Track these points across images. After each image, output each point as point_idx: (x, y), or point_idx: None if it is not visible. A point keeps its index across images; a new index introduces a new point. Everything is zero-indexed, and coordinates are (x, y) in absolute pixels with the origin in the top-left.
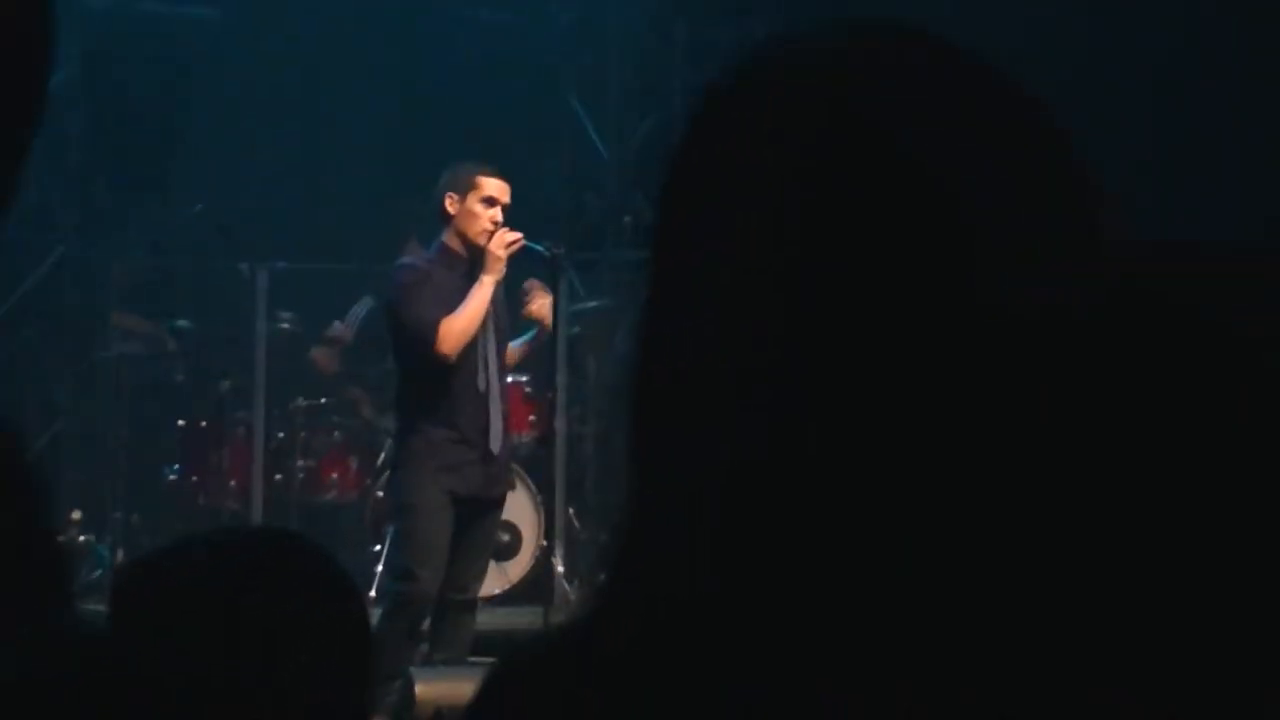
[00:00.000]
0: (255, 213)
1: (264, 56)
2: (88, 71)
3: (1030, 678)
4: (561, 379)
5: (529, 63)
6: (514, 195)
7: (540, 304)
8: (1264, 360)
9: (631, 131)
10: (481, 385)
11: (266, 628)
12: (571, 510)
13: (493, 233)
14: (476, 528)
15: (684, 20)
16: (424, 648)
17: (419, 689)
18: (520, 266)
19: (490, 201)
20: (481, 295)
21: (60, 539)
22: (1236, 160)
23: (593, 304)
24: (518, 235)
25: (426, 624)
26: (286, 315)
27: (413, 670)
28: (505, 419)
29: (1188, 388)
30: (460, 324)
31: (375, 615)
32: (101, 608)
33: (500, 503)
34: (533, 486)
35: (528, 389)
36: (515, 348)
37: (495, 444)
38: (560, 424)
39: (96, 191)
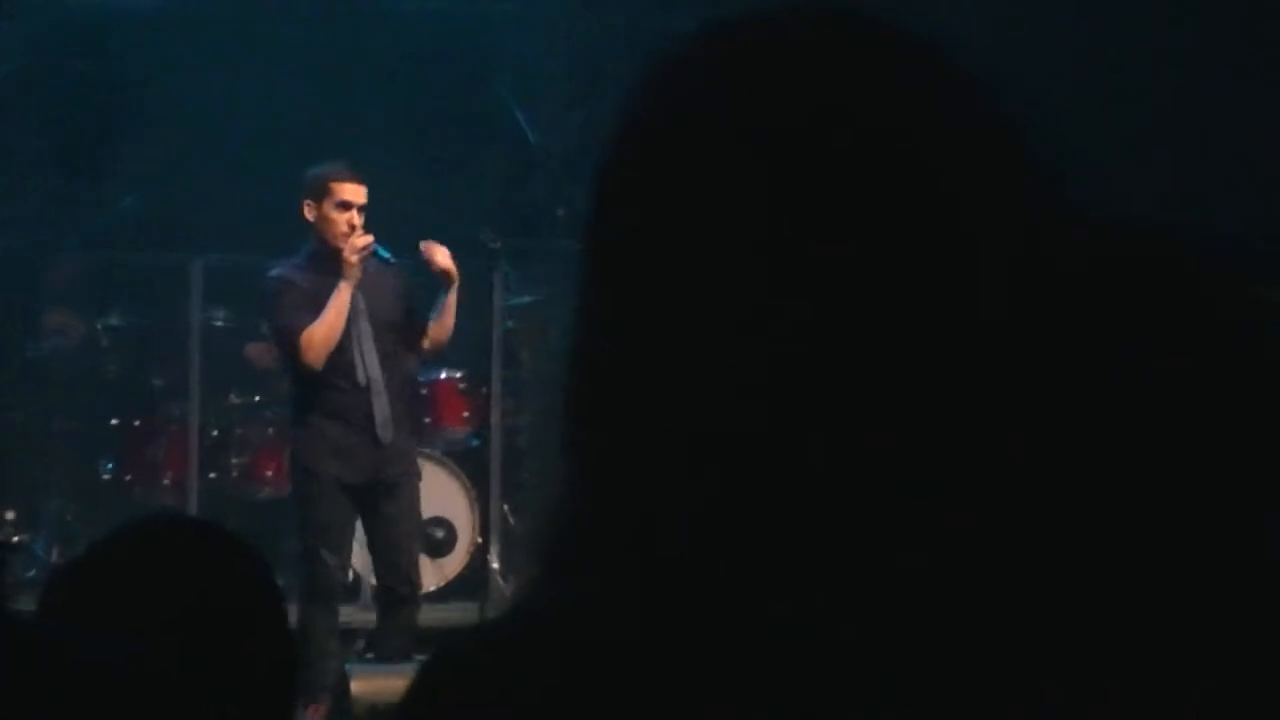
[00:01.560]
0: (189, 206)
1: (198, 49)
2: (22, 64)
3: (1029, 667)
4: (496, 371)
5: (461, 52)
6: (447, 186)
7: (440, 255)
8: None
9: (565, 122)
10: (361, 379)
11: (189, 619)
12: (506, 506)
13: (345, 235)
14: (386, 512)
15: (618, 9)
16: (359, 644)
17: (354, 686)
18: (457, 258)
19: (345, 205)
20: (339, 302)
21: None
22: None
23: (527, 298)
24: (368, 239)
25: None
26: (220, 311)
27: (348, 667)
28: (394, 409)
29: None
30: (320, 333)
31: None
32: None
33: (404, 484)
34: (467, 482)
35: (462, 384)
36: (435, 322)
37: (385, 434)
38: (495, 418)
39: (29, 185)
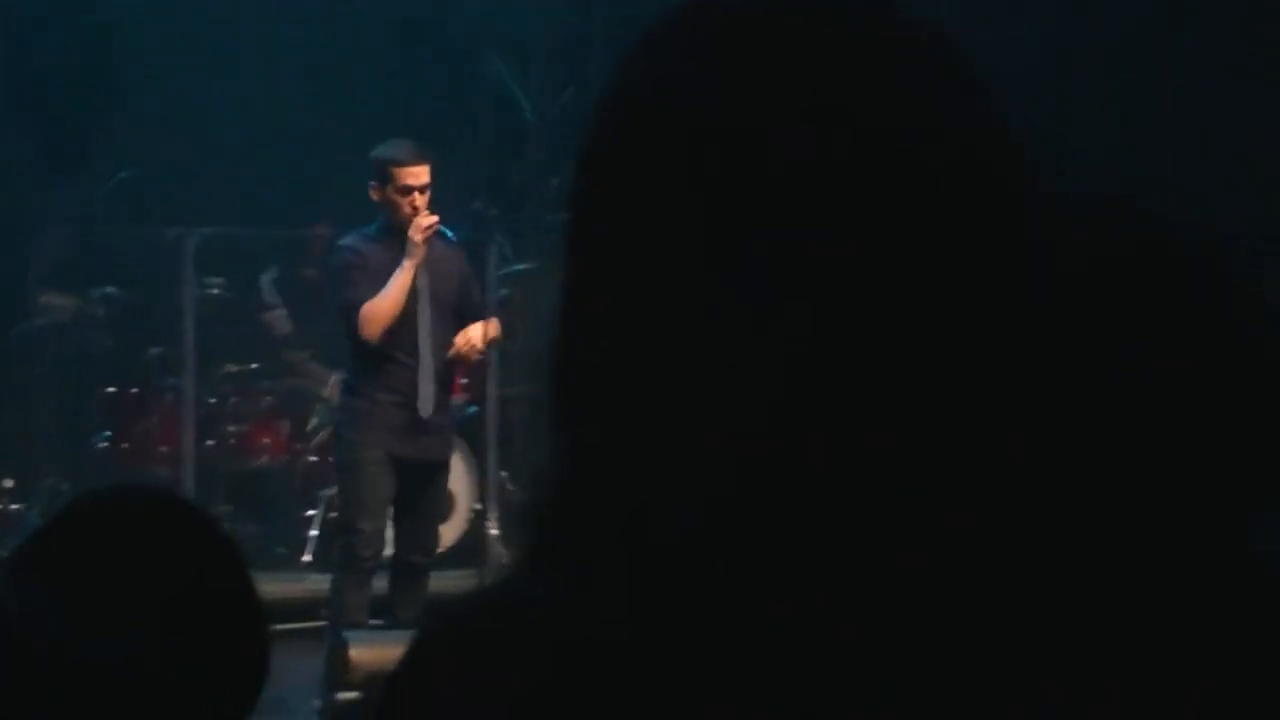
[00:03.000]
0: (181, 178)
1: (185, 21)
2: (5, 38)
3: (1029, 667)
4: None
5: (453, 25)
6: (444, 157)
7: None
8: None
9: (558, 93)
10: (416, 354)
11: (152, 599)
12: (504, 473)
13: (409, 218)
14: (424, 489)
15: None
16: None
17: (353, 653)
18: (448, 225)
19: (406, 189)
20: (401, 280)
21: None
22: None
23: (521, 267)
24: (433, 219)
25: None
26: (215, 280)
27: (346, 634)
28: (444, 387)
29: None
30: (381, 309)
31: (306, 580)
32: None
33: (444, 466)
34: (466, 449)
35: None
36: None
37: (425, 409)
38: (492, 387)
39: (19, 161)
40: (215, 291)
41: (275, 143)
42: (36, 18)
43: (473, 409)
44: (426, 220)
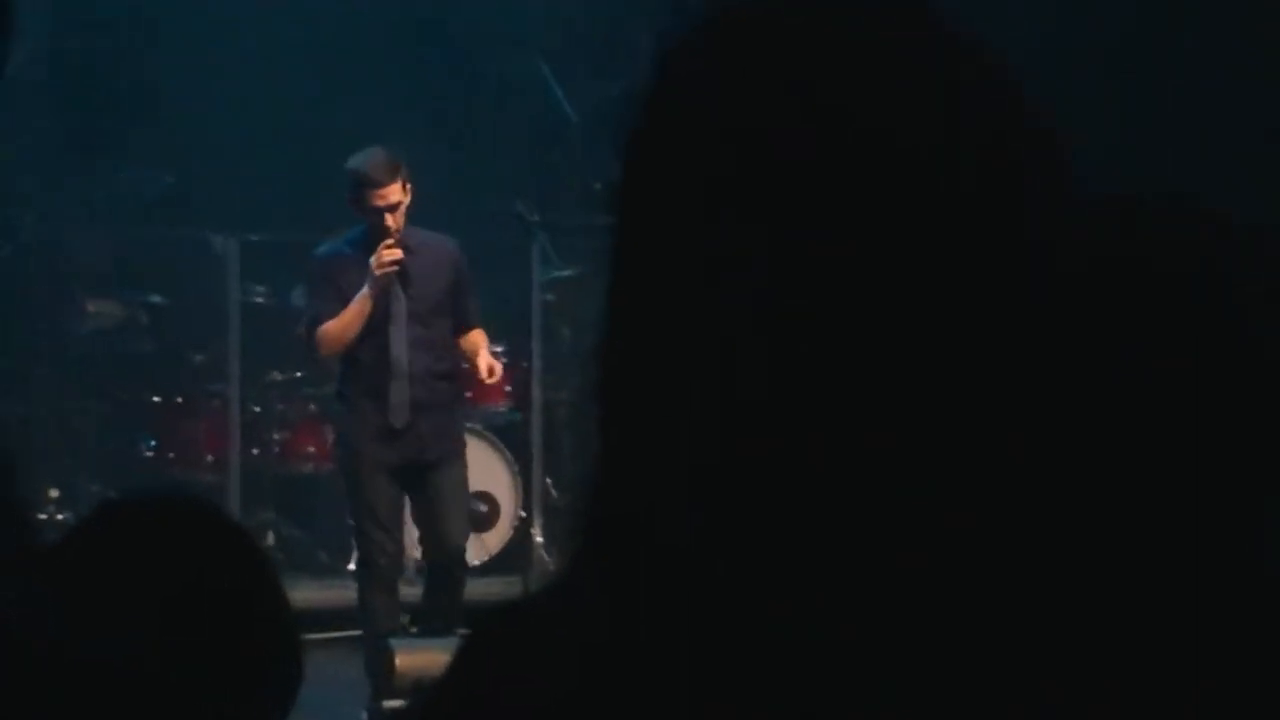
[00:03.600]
0: (225, 184)
1: (231, 25)
2: (52, 43)
3: (1029, 667)
4: (536, 347)
5: (497, 25)
6: (484, 158)
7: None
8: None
9: (601, 94)
10: (389, 362)
11: (177, 604)
12: (549, 480)
13: (379, 235)
14: (428, 490)
15: None
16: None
17: (399, 660)
18: (494, 232)
19: (375, 210)
20: (357, 309)
21: (32, 515)
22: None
23: (566, 271)
24: (394, 255)
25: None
26: (260, 288)
27: (392, 641)
28: (420, 395)
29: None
30: (332, 333)
31: (351, 586)
32: None
33: (440, 464)
34: (509, 456)
35: (503, 358)
36: (472, 346)
37: (397, 419)
38: (536, 393)
39: (64, 166)
40: (260, 299)
41: (318, 149)
42: (84, 18)
43: (516, 414)
44: (388, 255)
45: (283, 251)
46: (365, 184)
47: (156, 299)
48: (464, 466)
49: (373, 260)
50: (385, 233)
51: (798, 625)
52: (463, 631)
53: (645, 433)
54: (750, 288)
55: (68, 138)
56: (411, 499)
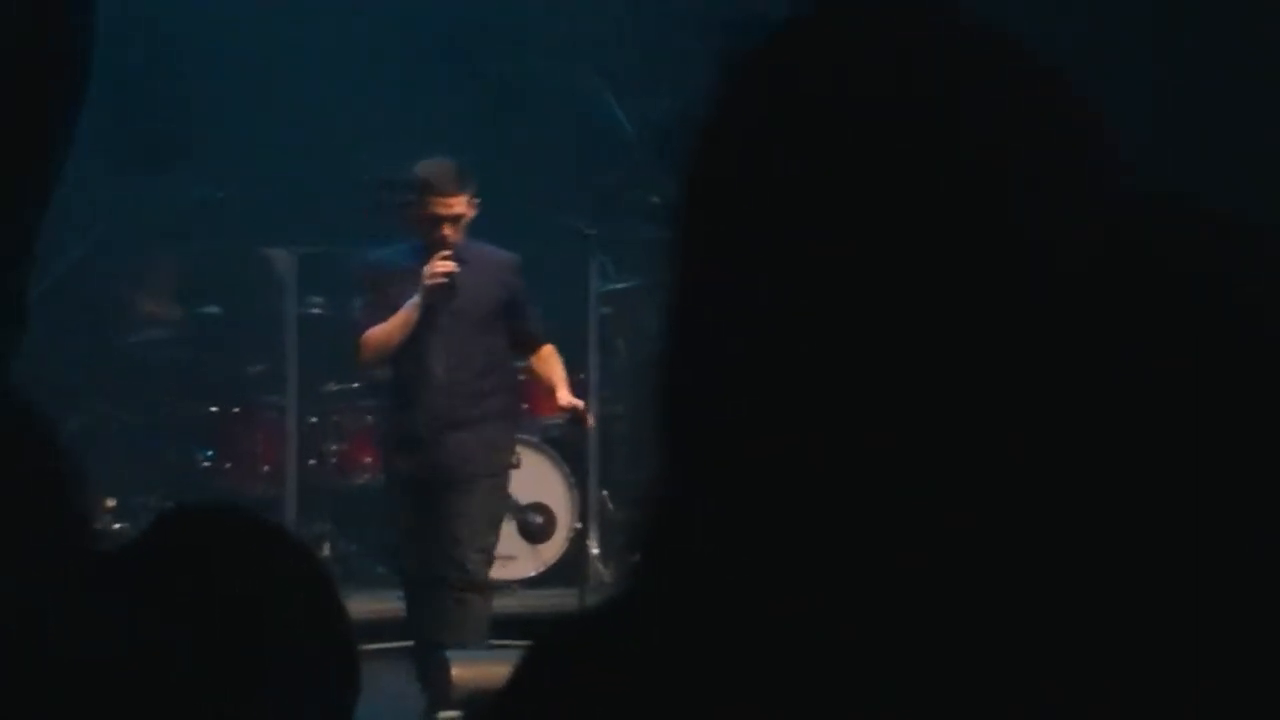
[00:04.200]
0: (283, 196)
1: (286, 37)
2: (112, 56)
3: (1029, 667)
4: (593, 360)
5: (551, 37)
6: (539, 171)
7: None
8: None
9: (657, 107)
10: (424, 375)
11: (236, 616)
12: (605, 492)
13: (436, 245)
14: (451, 505)
15: None
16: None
17: (454, 671)
18: (549, 245)
19: (435, 219)
20: (403, 316)
21: (93, 526)
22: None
23: (623, 285)
24: (447, 268)
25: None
26: (317, 299)
27: (448, 653)
28: (454, 411)
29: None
30: (376, 339)
31: None
32: None
33: (472, 482)
34: (565, 468)
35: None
36: (544, 369)
37: (424, 433)
38: (593, 404)
39: (122, 179)
40: (317, 310)
41: (375, 161)
42: (144, 25)
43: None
44: (441, 267)
45: (340, 263)
46: (429, 190)
47: (214, 310)
48: (499, 488)
49: (425, 270)
50: (443, 244)
51: (798, 625)
52: (510, 643)
53: (710, 445)
54: (758, 288)
55: (127, 151)
56: (437, 510)
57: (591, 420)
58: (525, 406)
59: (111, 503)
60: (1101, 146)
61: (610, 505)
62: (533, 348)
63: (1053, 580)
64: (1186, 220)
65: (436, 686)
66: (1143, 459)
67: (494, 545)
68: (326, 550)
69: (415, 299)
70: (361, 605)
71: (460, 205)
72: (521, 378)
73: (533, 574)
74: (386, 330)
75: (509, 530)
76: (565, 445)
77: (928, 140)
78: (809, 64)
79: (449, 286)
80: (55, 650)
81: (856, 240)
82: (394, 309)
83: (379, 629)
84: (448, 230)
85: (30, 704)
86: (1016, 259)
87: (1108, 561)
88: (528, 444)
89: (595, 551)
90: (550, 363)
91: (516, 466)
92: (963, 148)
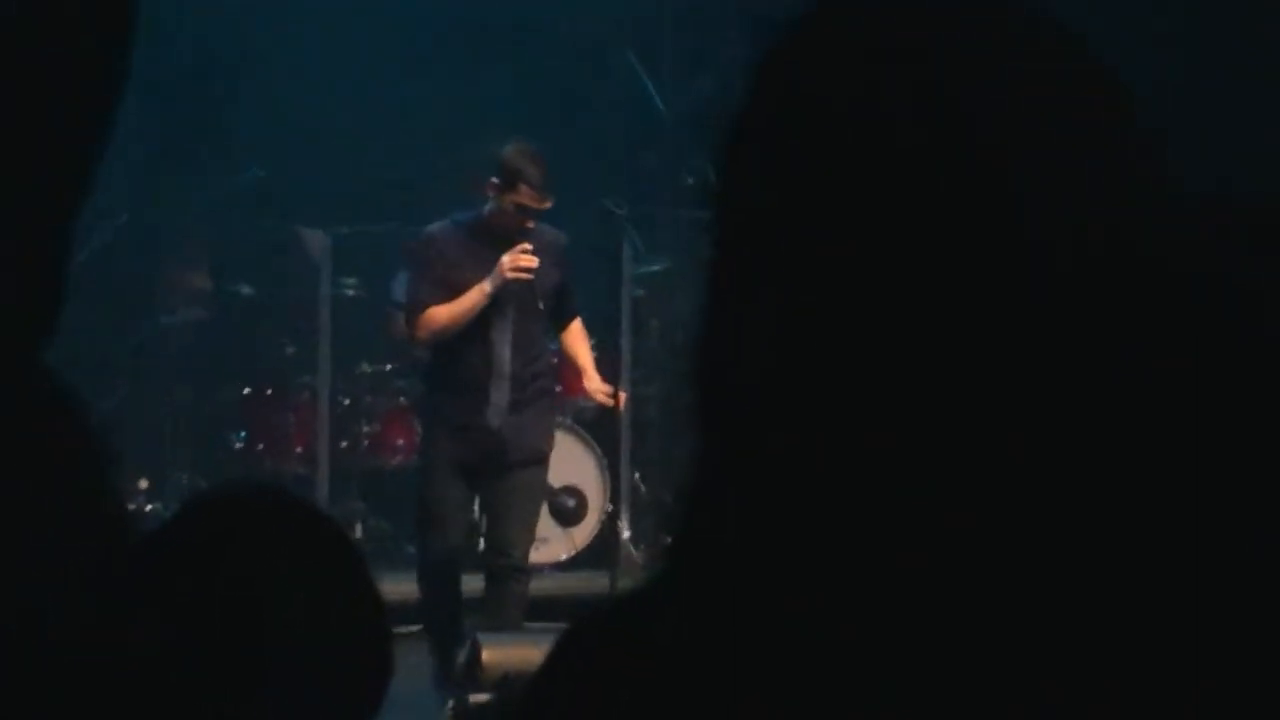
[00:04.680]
0: (317, 177)
1: (321, 18)
2: (146, 29)
3: (1029, 667)
4: (625, 341)
5: (584, 17)
6: (574, 152)
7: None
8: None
9: (693, 86)
10: (491, 362)
11: (270, 598)
12: (637, 474)
13: (513, 233)
14: (502, 488)
15: None
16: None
17: (485, 654)
18: (583, 226)
19: (524, 210)
20: (473, 300)
21: (128, 507)
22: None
23: (656, 266)
24: (531, 263)
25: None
26: (350, 281)
27: (479, 636)
28: (516, 396)
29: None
30: (439, 321)
31: None
32: None
33: (518, 468)
34: (597, 450)
35: (593, 352)
36: (573, 349)
37: (494, 419)
38: (625, 387)
39: (157, 160)
40: (350, 291)
41: (408, 142)
42: (179, 17)
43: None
44: (525, 261)
45: (373, 244)
46: (525, 180)
47: (248, 290)
48: (544, 471)
49: (505, 259)
50: (523, 234)
51: (797, 625)
52: (542, 625)
53: (748, 431)
54: (764, 287)
55: (163, 131)
56: (482, 498)
57: (622, 402)
58: (558, 389)
59: (145, 483)
60: (1124, 144)
61: (642, 487)
62: (565, 324)
63: (1052, 580)
64: (1186, 218)
65: (468, 670)
66: (1143, 459)
67: (535, 529)
68: (359, 531)
69: (485, 285)
70: (392, 586)
71: (549, 203)
72: (553, 360)
73: (564, 557)
74: (452, 312)
75: (542, 513)
76: (597, 427)
77: (932, 139)
78: (817, 62)
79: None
80: (90, 635)
81: (866, 239)
82: (444, 283)
83: (409, 610)
84: (530, 224)
85: (65, 688)
86: (1018, 259)
87: (1108, 561)
88: (560, 425)
89: (626, 534)
90: (578, 341)
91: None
92: (967, 147)
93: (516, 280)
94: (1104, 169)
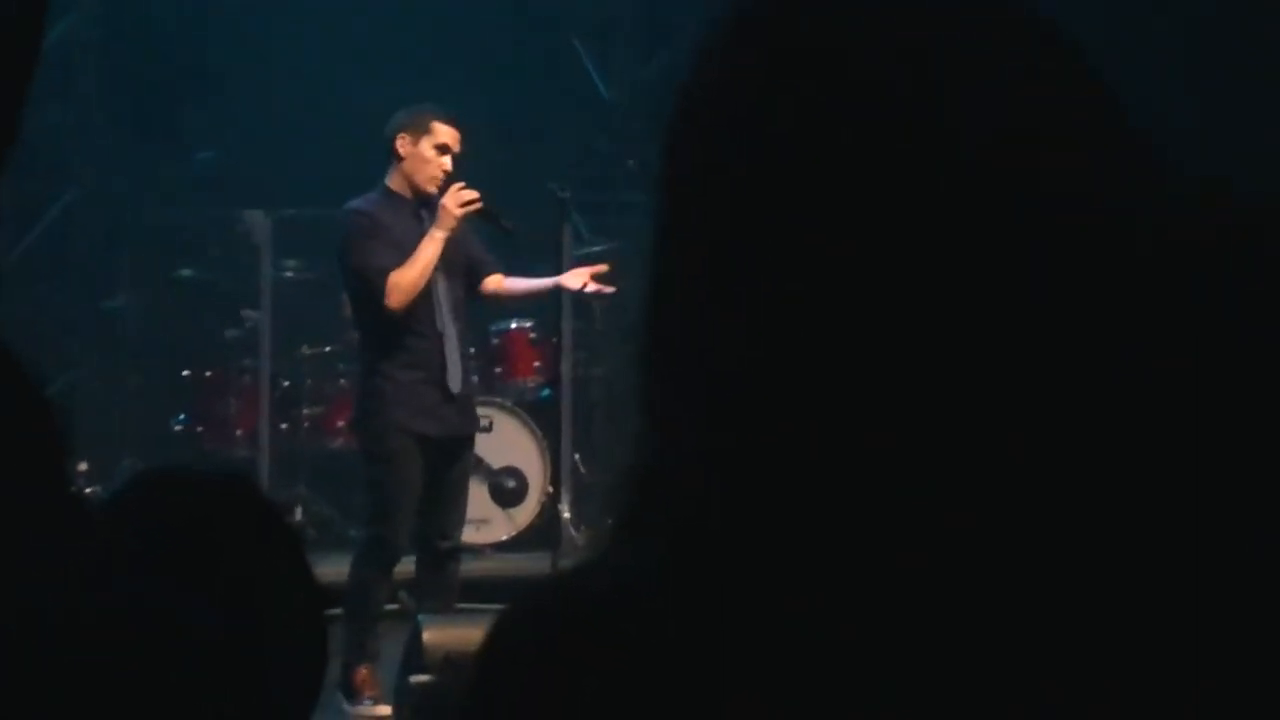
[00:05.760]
0: (258, 159)
1: (269, 3)
2: (101, 12)
3: (1029, 667)
4: (567, 324)
5: (533, 5)
6: (519, 137)
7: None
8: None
9: (638, 72)
10: (440, 326)
11: (205, 578)
12: (578, 456)
13: (441, 181)
14: (451, 469)
15: None
16: (402, 594)
17: (427, 636)
18: (525, 209)
19: (443, 149)
20: (430, 250)
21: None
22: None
23: (599, 248)
24: (475, 196)
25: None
26: (291, 263)
27: (420, 617)
28: (464, 359)
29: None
30: (408, 279)
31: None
32: None
33: (469, 441)
34: (539, 432)
35: (532, 333)
36: (514, 282)
37: (454, 384)
38: (566, 368)
39: (107, 137)
40: (290, 274)
41: (349, 125)
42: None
43: (546, 392)
44: (468, 194)
45: (315, 226)
46: (441, 118)
47: (188, 273)
48: (472, 451)
49: (446, 199)
50: (449, 178)
51: (797, 625)
52: (483, 606)
53: (691, 411)
54: (758, 283)
55: (110, 115)
56: (430, 477)
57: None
58: (498, 370)
59: (84, 466)
60: (1110, 143)
61: (583, 469)
62: (493, 274)
63: (1052, 580)
64: (1185, 215)
65: (410, 652)
66: (1142, 458)
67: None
68: (300, 514)
69: (436, 232)
70: (335, 569)
71: (459, 141)
72: (494, 342)
73: (505, 538)
74: (419, 266)
75: (483, 494)
76: (538, 409)
77: (906, 127)
78: (769, 45)
79: (476, 210)
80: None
81: (821, 225)
82: (399, 247)
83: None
84: (449, 165)
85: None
86: (1013, 256)
87: (1108, 561)
88: (501, 407)
89: (567, 515)
90: (514, 280)
91: (487, 430)
92: (938, 136)
93: (467, 214)
94: (1071, 162)
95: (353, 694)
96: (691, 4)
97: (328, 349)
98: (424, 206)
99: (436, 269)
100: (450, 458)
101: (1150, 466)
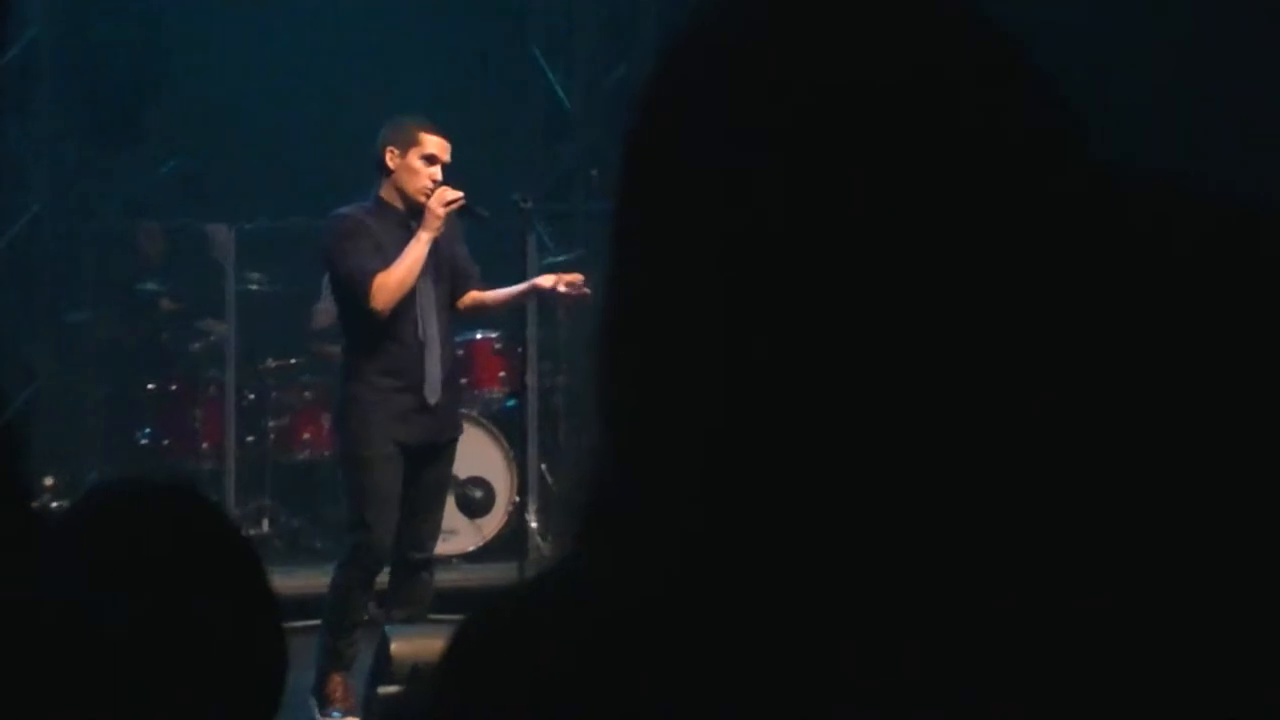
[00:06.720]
0: (222, 172)
1: (232, 11)
2: (60, 24)
3: (1029, 667)
4: (532, 333)
5: (495, 14)
6: (482, 147)
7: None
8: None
9: (600, 81)
10: (421, 334)
11: (158, 591)
12: (544, 465)
13: (430, 191)
14: (428, 477)
15: None
16: (370, 605)
17: (394, 646)
18: (489, 218)
19: (431, 159)
20: (417, 251)
21: (34, 504)
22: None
23: (563, 258)
24: (458, 195)
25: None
26: (255, 275)
27: (387, 628)
28: (445, 368)
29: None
30: (394, 279)
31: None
32: None
33: (449, 448)
34: (505, 442)
35: (498, 344)
36: (495, 295)
37: (432, 395)
38: (532, 378)
39: (69, 149)
40: (255, 287)
41: (317, 134)
42: (89, 9)
43: (512, 402)
44: (452, 194)
45: (279, 239)
46: (424, 130)
47: (152, 286)
48: (455, 454)
49: (431, 201)
50: (433, 184)
51: (797, 624)
52: (449, 617)
53: (652, 418)
54: (753, 281)
55: (75, 120)
56: (407, 487)
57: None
58: (464, 381)
59: (50, 480)
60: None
61: (549, 479)
62: (476, 286)
63: (1054, 579)
64: (1181, 212)
65: (377, 663)
66: (1147, 457)
67: None
68: (266, 526)
69: (422, 235)
70: (301, 580)
71: (448, 151)
72: (460, 352)
73: (472, 548)
74: (405, 266)
75: (450, 505)
76: (504, 418)
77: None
78: (734, 44)
79: (459, 207)
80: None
81: (782, 226)
82: (383, 253)
83: (318, 604)
84: (438, 174)
85: None
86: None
87: (1110, 561)
88: (467, 417)
89: (534, 525)
90: (495, 291)
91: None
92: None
93: (450, 214)
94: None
95: (325, 703)
96: (652, 13)
97: (293, 361)
98: (414, 217)
99: (423, 276)
100: (424, 466)
101: (1154, 465)
